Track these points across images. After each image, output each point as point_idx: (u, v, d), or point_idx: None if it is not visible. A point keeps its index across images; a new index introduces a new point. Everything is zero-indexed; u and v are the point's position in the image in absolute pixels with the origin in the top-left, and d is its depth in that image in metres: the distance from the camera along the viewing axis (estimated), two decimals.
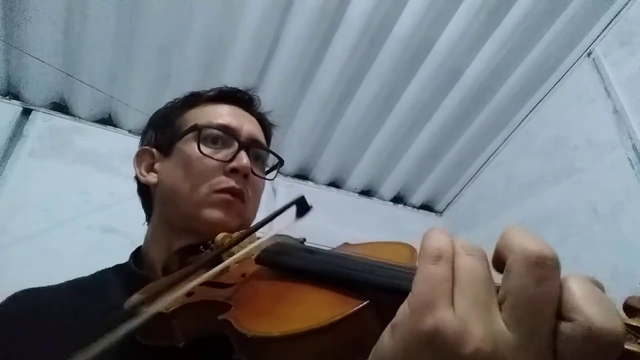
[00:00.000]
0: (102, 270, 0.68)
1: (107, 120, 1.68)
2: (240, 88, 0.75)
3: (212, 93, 0.73)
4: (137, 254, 0.69)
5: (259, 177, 0.70)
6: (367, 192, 2.04)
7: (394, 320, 0.26)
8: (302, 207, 0.51)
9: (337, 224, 1.62)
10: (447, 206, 2.11)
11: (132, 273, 0.64)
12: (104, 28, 1.41)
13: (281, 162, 0.76)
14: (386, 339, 0.26)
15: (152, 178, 0.69)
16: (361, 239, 0.49)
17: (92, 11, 1.37)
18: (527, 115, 1.75)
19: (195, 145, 0.65)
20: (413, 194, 2.06)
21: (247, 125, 0.70)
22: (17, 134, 1.52)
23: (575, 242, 1.36)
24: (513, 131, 1.80)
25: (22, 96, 1.57)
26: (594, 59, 1.51)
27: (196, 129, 0.66)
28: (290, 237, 0.55)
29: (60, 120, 1.60)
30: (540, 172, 1.61)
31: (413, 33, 1.48)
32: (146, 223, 0.73)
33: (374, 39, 1.51)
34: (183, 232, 0.63)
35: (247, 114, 0.73)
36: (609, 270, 1.19)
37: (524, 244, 0.24)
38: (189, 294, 0.46)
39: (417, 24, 1.46)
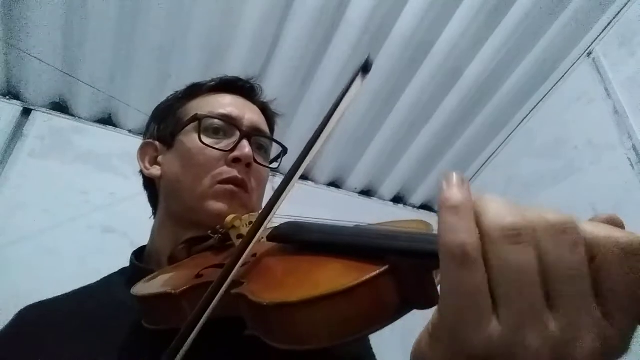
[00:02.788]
0: (108, 275, 0.68)
1: (107, 120, 1.68)
2: (242, 77, 0.74)
3: (213, 83, 0.72)
4: (140, 253, 0.69)
5: (262, 165, 0.68)
6: (367, 192, 2.04)
7: (431, 328, 0.24)
8: (366, 67, 0.45)
9: (337, 224, 1.61)
10: None
11: (136, 269, 0.64)
12: (104, 28, 1.41)
13: (285, 150, 0.74)
14: (426, 348, 0.25)
15: (155, 171, 0.68)
16: None
17: (92, 11, 1.37)
18: (527, 115, 1.75)
19: (196, 136, 0.64)
20: (413, 194, 2.06)
21: (249, 114, 0.68)
22: (17, 134, 1.52)
23: None
24: (513, 131, 1.80)
25: (22, 96, 1.57)
26: (594, 59, 1.51)
27: (197, 119, 0.65)
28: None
29: (60, 120, 1.60)
30: (540, 172, 1.61)
31: (413, 33, 1.48)
32: (152, 217, 0.73)
33: (374, 39, 1.51)
34: (188, 224, 0.63)
35: (249, 103, 0.72)
36: None
37: (545, 216, 0.23)
38: (198, 275, 0.46)
39: (417, 24, 1.46)
